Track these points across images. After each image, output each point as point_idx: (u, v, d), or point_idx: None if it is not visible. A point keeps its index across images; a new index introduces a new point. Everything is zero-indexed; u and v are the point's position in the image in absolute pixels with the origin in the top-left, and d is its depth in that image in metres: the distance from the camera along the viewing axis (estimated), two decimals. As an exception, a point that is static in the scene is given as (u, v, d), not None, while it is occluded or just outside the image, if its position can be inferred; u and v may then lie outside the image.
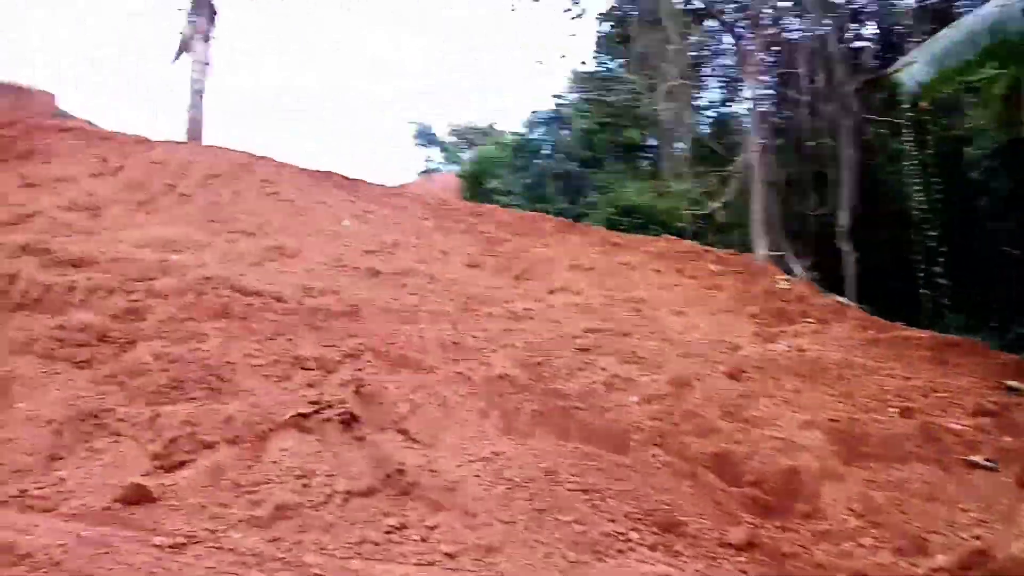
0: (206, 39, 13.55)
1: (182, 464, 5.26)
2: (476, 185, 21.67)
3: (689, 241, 11.68)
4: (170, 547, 4.26)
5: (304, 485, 5.22)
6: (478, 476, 5.41)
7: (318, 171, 10.44)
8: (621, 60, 20.96)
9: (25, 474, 4.83)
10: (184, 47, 13.46)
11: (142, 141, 9.47)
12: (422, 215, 10.20)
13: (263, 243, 8.12)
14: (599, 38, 21.12)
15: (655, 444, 5.76)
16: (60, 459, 5.08)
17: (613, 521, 4.83)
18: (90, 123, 10.26)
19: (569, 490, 5.24)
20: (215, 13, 13.81)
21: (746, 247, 13.15)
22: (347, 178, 10.47)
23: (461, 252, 9.35)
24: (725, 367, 7.06)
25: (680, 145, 18.12)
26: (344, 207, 9.53)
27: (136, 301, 6.70)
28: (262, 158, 10.10)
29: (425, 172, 31.93)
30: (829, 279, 12.48)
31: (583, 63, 21.44)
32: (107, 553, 3.76)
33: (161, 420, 5.52)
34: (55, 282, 6.66)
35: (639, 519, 4.87)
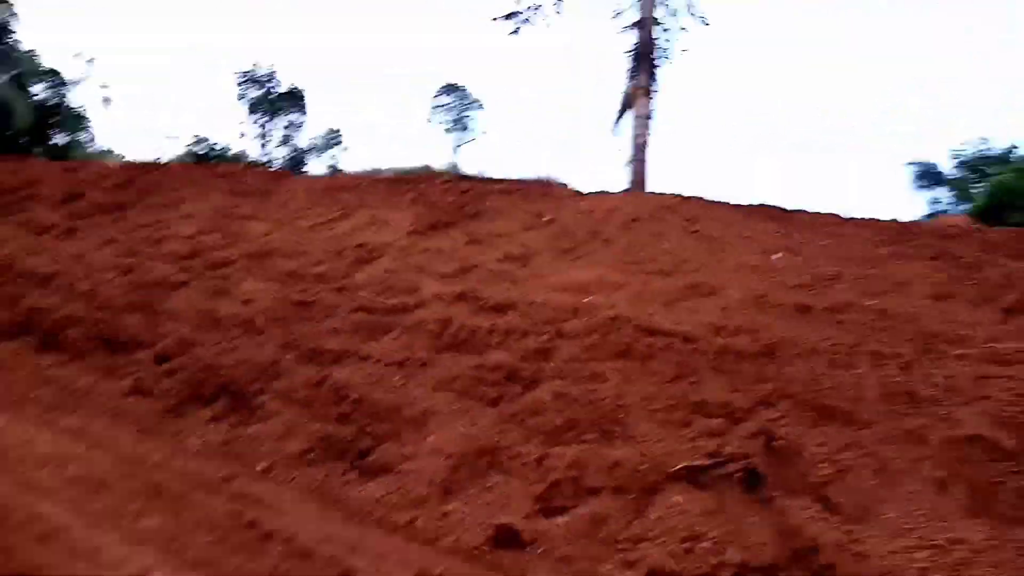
0: (648, 94, 13.94)
1: (562, 509, 4.87)
2: (993, 223, 18.16)
3: None
4: (522, 600, 3.83)
5: (687, 550, 4.37)
6: (924, 569, 3.90)
7: (748, 205, 9.60)
8: None
9: (419, 505, 4.95)
10: (627, 105, 14.03)
11: (574, 194, 9.87)
12: (874, 241, 8.53)
13: (678, 282, 7.58)
14: None
15: None
16: (452, 493, 5.11)
17: None
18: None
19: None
20: (655, 67, 14.16)
21: None
22: (781, 209, 9.40)
23: (924, 281, 7.48)
24: None
25: None
26: (773, 240, 8.48)
27: (545, 342, 6.71)
28: (689, 198, 9.68)
29: (929, 216, 27.74)
30: None
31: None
32: (440, 596, 3.46)
33: (549, 461, 5.25)
34: (480, 326, 7.05)
35: None
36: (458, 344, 6.94)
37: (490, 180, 10.47)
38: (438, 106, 50.53)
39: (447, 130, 50.58)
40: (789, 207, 9.50)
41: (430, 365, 6.70)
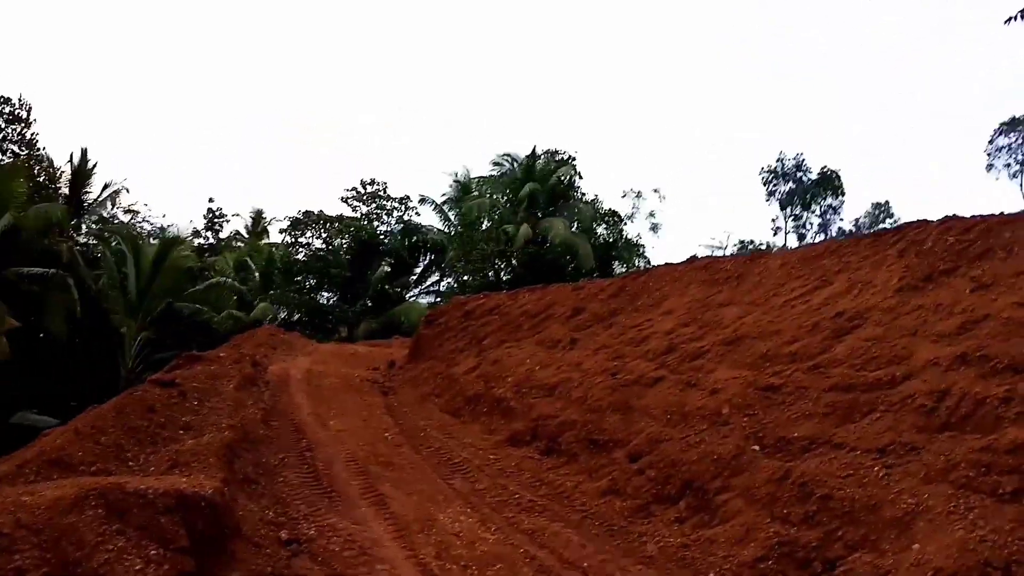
0: None
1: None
2: None
3: None
4: None
5: None
6: None
7: None
8: None
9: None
10: None
11: None
12: None
13: None
14: None
15: None
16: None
17: None
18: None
19: None
20: None
21: None
22: None
23: None
24: None
25: None
26: None
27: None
28: None
29: None
30: None
31: None
32: None
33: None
34: (990, 394, 5.43)
35: None
36: (959, 421, 5.46)
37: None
38: (1000, 148, 42.86)
39: (1015, 173, 42.43)
40: None
41: (920, 450, 5.38)
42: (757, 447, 6.33)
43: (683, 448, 6.67)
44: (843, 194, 43.26)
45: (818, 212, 43.98)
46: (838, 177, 43.10)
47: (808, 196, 43.75)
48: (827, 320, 7.80)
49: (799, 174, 43.90)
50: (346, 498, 6.02)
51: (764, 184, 44.42)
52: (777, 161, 44.15)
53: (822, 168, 43.16)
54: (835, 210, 43.92)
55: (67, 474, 4.12)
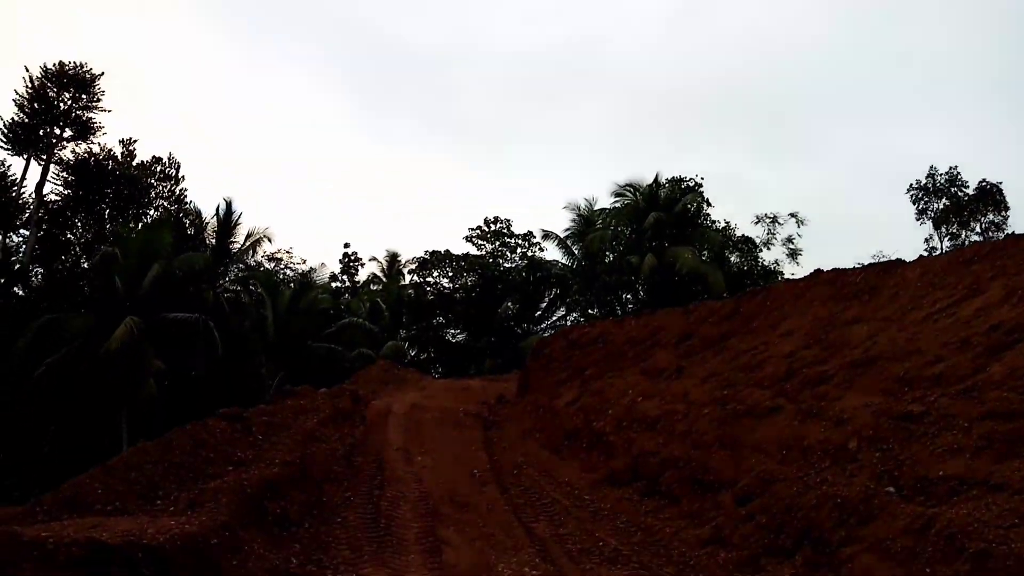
0: None
1: None
2: None
3: None
4: None
5: None
6: None
7: None
8: None
9: None
10: None
11: None
12: None
13: None
14: None
15: None
16: None
17: None
18: None
19: None
20: None
21: None
22: None
23: None
24: None
25: None
26: None
27: None
28: None
29: None
30: None
31: None
32: None
33: None
34: None
35: None
36: None
37: None
38: None
39: None
40: None
41: (1109, 495, 4.14)
42: (892, 488, 5.22)
43: (800, 490, 5.63)
44: (1007, 208, 39.04)
45: (979, 229, 39.88)
46: (1000, 191, 39.00)
47: (966, 213, 39.81)
48: (979, 335, 6.50)
49: (953, 190, 40.11)
50: (399, 543, 5.44)
51: (914, 202, 40.77)
52: (927, 177, 40.46)
53: (980, 182, 39.21)
54: (998, 226, 39.70)
55: (80, 514, 3.80)
